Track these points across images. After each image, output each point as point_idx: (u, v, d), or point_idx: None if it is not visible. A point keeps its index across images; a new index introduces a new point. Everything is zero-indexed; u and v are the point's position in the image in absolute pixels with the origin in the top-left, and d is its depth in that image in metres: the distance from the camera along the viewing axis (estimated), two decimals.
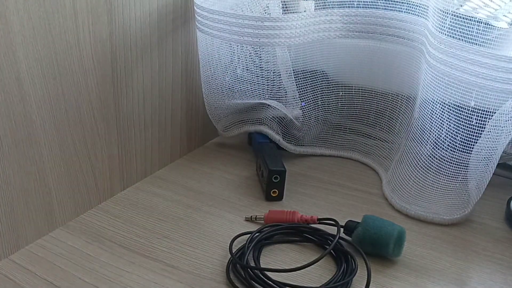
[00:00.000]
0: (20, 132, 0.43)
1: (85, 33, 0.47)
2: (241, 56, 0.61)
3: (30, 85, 0.43)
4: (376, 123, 0.66)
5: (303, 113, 0.65)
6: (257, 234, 0.48)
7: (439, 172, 0.54)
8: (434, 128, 0.52)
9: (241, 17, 0.55)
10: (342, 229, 0.48)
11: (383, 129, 0.66)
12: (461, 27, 0.47)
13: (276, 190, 0.56)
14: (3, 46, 0.40)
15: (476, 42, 0.46)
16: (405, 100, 0.61)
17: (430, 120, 0.53)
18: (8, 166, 0.43)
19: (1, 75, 0.40)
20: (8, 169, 0.43)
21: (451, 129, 0.51)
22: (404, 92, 0.61)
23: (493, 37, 0.46)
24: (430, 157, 0.53)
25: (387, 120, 0.65)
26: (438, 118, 0.52)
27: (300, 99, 0.64)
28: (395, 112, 0.63)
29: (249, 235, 0.48)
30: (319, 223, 0.50)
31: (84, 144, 0.51)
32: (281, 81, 0.62)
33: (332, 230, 0.48)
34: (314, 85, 0.65)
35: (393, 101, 0.63)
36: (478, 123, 0.49)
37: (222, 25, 0.56)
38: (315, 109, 0.66)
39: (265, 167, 0.56)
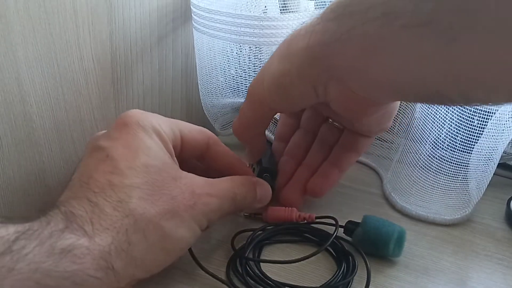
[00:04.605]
0: (20, 132, 0.43)
1: (85, 33, 0.47)
2: (239, 56, 0.61)
3: (30, 85, 0.43)
4: None
5: None
6: (258, 233, 0.48)
7: (439, 172, 0.54)
8: (435, 128, 0.52)
9: (239, 16, 0.55)
10: (341, 228, 0.48)
11: None
12: None
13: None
14: (3, 46, 0.40)
15: None
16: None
17: (432, 120, 0.52)
18: (8, 166, 0.43)
19: (1, 75, 0.40)
20: (8, 169, 0.43)
21: (451, 129, 0.51)
22: None
23: None
24: (430, 157, 0.53)
25: None
26: (440, 118, 0.51)
27: None
28: None
29: (249, 232, 0.48)
30: (317, 221, 0.49)
31: (84, 144, 0.50)
32: None
33: (333, 230, 0.48)
34: None
35: None
36: (480, 123, 0.49)
37: (219, 25, 0.56)
38: None
39: (258, 165, 0.56)
